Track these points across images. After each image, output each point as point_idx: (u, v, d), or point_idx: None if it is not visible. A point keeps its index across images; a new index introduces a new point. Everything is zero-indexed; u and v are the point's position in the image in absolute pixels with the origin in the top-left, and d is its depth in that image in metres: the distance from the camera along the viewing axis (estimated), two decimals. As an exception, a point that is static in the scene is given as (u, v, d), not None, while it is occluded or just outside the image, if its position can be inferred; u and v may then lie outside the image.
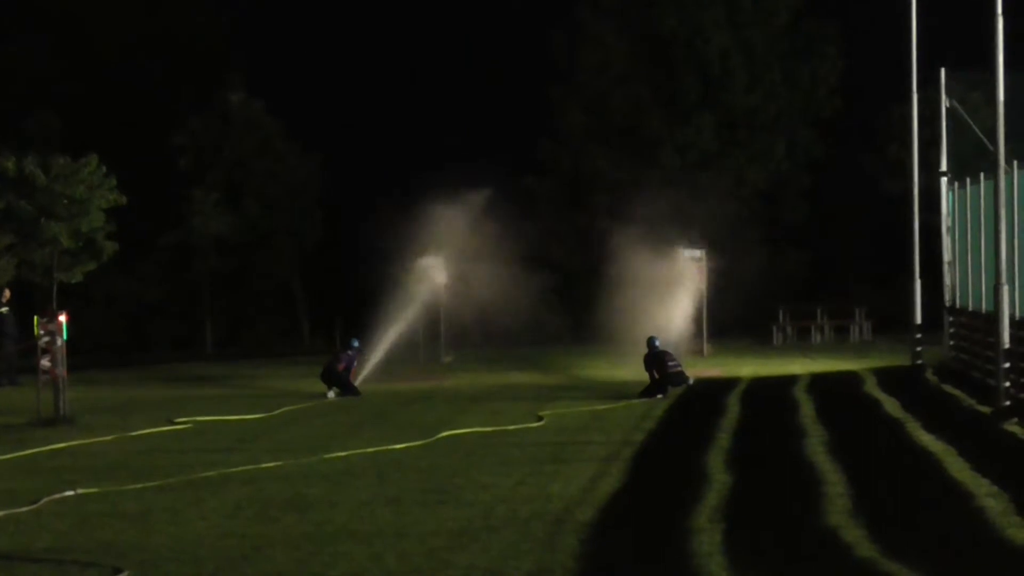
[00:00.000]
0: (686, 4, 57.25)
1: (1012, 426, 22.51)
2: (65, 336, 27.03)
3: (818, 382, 32.84)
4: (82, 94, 58.48)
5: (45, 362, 27.01)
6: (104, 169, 44.14)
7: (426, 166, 47.80)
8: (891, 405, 26.43)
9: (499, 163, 46.79)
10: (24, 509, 16.52)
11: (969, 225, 33.15)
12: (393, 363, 37.86)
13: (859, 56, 56.49)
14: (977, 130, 34.24)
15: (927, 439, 20.91)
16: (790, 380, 33.68)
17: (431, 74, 64.23)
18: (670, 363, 31.03)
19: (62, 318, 27.08)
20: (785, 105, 58.34)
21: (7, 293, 39.00)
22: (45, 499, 17.09)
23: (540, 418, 26.16)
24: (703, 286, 43.03)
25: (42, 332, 27.00)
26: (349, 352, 33.60)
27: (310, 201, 58.51)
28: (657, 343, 31.88)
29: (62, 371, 27.02)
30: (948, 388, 29.43)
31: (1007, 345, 25.01)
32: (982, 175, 30.66)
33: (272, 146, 58.03)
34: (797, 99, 58.45)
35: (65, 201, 43.54)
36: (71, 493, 17.61)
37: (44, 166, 43.99)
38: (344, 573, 12.83)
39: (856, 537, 13.63)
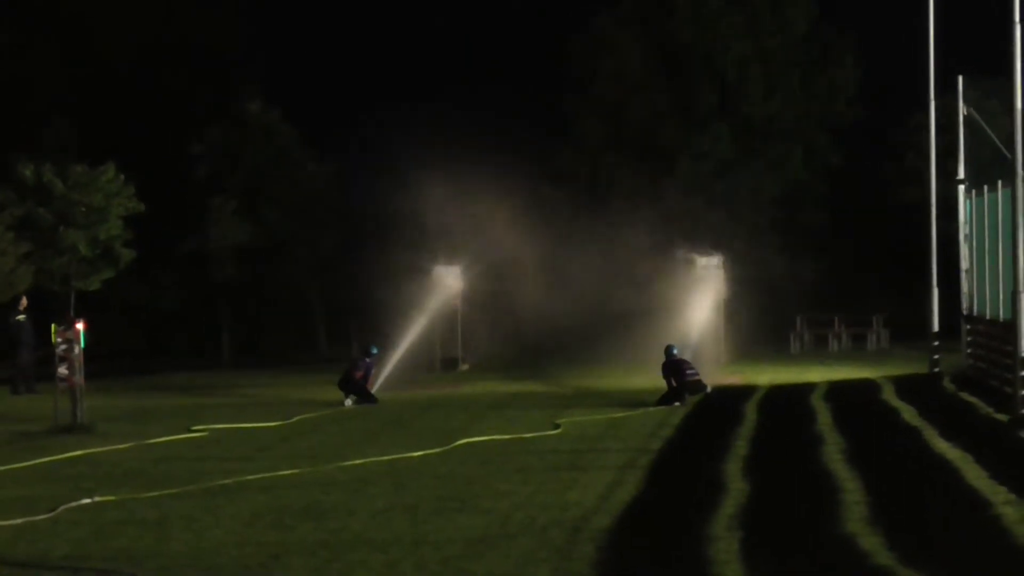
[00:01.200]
0: (704, 13, 57.23)
1: (1030, 434, 22.47)
2: (83, 344, 27.09)
3: (835, 390, 32.81)
4: (98, 103, 58.59)
5: (63, 370, 27.05)
6: (122, 177, 44.33)
7: (443, 174, 47.79)
8: (908, 413, 26.37)
9: (516, 172, 46.76)
10: (42, 517, 16.53)
11: (987, 233, 33.09)
12: (410, 370, 37.89)
13: (877, 64, 56.47)
14: (995, 138, 34.20)
15: (944, 447, 20.87)
16: (807, 388, 33.66)
17: (448, 83, 64.30)
18: (688, 371, 31.12)
19: (80, 326, 27.13)
20: (802, 113, 58.31)
21: (24, 301, 39.11)
22: (63, 507, 17.10)
23: (557, 426, 26.14)
24: (721, 294, 43.01)
25: (60, 340, 27.06)
26: (367, 360, 33.62)
27: (327, 209, 58.55)
28: (675, 351, 31.89)
29: (80, 379, 27.07)
30: (965, 396, 29.36)
31: (1025, 353, 24.93)
32: (1000, 183, 30.60)
33: (289, 154, 58.07)
34: (814, 107, 58.41)
35: (83, 209, 43.75)
36: (88, 501, 17.62)
37: (62, 174, 44.19)
38: (362, 581, 12.81)
39: (873, 545, 13.60)
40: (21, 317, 38.27)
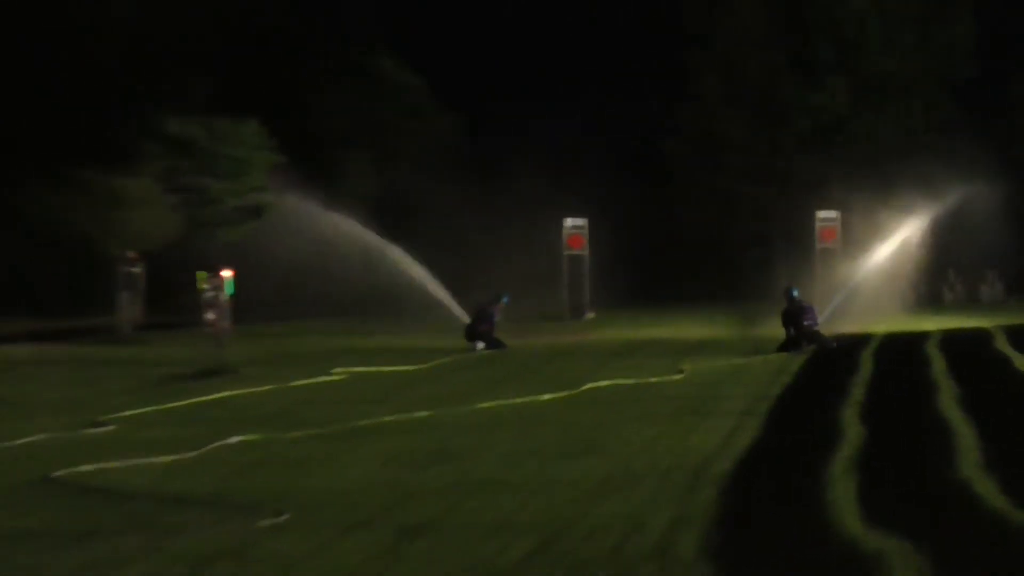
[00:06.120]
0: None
1: None
2: (231, 291, 27.82)
3: (949, 339, 32.90)
4: (237, 59, 59.38)
5: (210, 315, 27.82)
6: (264, 131, 45.26)
7: (566, 129, 48.13)
8: (1021, 362, 26.40)
9: (635, 128, 46.98)
10: (191, 454, 16.92)
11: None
12: (538, 319, 38.25)
13: (997, 20, 55.94)
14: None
15: (1058, 394, 20.86)
16: (922, 337, 33.79)
17: (572, 41, 64.45)
18: (807, 321, 31.22)
19: (226, 273, 27.88)
20: (920, 69, 57.92)
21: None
22: (209, 445, 17.50)
23: (680, 371, 26.48)
24: (836, 246, 43.07)
25: (207, 287, 27.81)
26: (496, 308, 34.17)
27: (458, 161, 58.91)
28: (795, 293, 32.01)
29: (226, 324, 27.83)
30: (1080, 346, 29.36)
31: None
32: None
33: (420, 108, 58.52)
34: (932, 63, 57.99)
35: (227, 161, 44.68)
36: (234, 440, 18.00)
37: (207, 128, 45.16)
38: (493, 520, 12.90)
39: (987, 489, 13.56)
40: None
